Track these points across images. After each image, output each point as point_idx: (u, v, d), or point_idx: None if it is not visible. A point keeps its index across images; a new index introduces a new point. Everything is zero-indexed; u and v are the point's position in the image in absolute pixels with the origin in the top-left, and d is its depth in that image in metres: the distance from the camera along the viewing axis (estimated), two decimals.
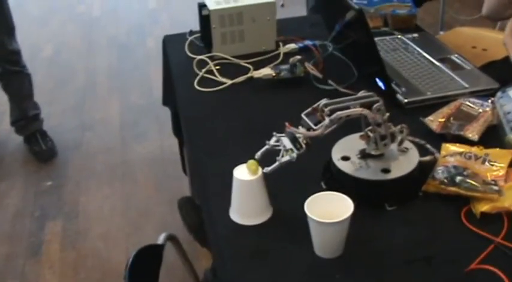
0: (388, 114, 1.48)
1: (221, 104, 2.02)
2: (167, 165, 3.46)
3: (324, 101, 1.45)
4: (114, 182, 3.40)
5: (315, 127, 1.42)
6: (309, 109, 1.47)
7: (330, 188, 1.51)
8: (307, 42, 2.31)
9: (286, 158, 1.44)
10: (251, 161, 1.46)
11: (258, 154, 1.48)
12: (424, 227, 1.45)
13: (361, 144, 1.55)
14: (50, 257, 2.91)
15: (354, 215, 1.32)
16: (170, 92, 2.43)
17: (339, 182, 1.53)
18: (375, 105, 1.44)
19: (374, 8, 2.49)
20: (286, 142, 1.46)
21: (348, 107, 1.44)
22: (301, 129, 1.44)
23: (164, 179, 3.37)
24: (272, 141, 1.49)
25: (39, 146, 3.63)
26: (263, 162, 1.47)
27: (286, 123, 1.45)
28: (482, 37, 2.86)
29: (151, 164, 3.54)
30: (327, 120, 1.41)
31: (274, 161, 1.45)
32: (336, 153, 1.57)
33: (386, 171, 1.51)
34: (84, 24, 5.62)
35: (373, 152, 1.54)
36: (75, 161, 3.61)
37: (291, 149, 1.44)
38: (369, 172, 1.50)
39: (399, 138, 1.55)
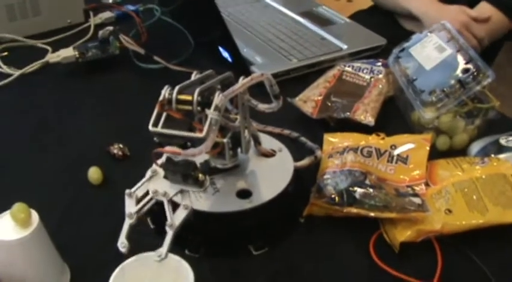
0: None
1: (8, 103, 1.39)
2: None
3: (175, 90, 0.86)
4: None
5: (197, 135, 0.83)
6: (153, 116, 0.87)
7: (157, 230, 0.94)
8: (128, 8, 1.71)
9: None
10: (18, 205, 0.85)
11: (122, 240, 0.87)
12: (312, 274, 0.90)
13: (200, 157, 0.96)
14: None
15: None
16: None
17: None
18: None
19: None
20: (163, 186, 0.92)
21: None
22: (189, 150, 0.83)
23: None
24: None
25: None
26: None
27: (154, 151, 0.86)
28: None
29: None
30: (210, 113, 0.82)
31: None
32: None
33: (244, 193, 0.93)
34: None
35: (219, 166, 0.97)
36: None
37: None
38: (218, 200, 0.92)
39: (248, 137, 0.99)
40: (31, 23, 1.67)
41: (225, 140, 0.92)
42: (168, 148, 0.84)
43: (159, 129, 0.84)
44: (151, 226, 0.97)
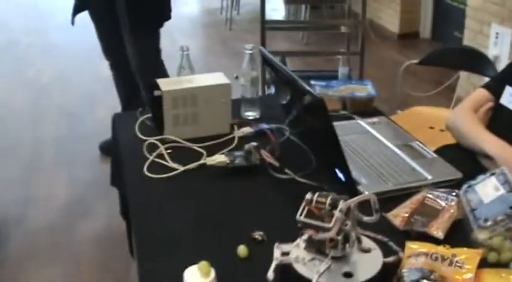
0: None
1: (172, 192, 1.91)
2: (113, 246, 3.30)
3: (315, 195, 1.39)
4: (57, 261, 3.22)
5: (328, 226, 1.35)
6: (302, 206, 1.39)
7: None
8: (263, 126, 2.22)
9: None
10: (203, 263, 1.35)
11: (270, 274, 1.39)
12: None
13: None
14: None
15: None
16: (118, 173, 2.31)
17: None
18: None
19: (332, 90, 2.43)
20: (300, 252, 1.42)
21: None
22: (322, 234, 1.36)
23: (110, 260, 3.21)
24: (278, 255, 1.44)
25: None
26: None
27: (305, 231, 1.40)
28: (439, 117, 2.83)
29: (97, 243, 3.37)
30: (337, 213, 1.33)
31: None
32: (295, 261, 1.45)
33: (348, 275, 1.40)
34: (32, 90, 5.49)
35: (333, 254, 1.44)
36: (16, 238, 3.43)
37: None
38: (330, 277, 1.39)
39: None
40: (190, 129, 2.19)
41: (339, 237, 1.39)
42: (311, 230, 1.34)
43: (302, 218, 1.34)
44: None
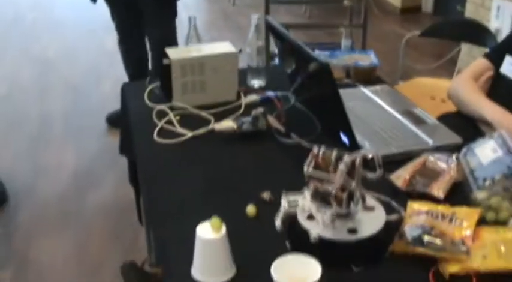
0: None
1: (181, 157, 1.97)
2: (122, 214, 3.38)
3: (321, 149, 1.45)
4: (67, 230, 3.30)
5: (332, 177, 1.42)
6: (308, 160, 1.46)
7: (294, 248, 1.47)
8: (269, 94, 2.28)
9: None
10: (215, 218, 1.42)
11: (278, 222, 1.51)
12: None
13: None
14: None
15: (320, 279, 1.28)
16: (127, 141, 2.37)
17: (304, 242, 1.48)
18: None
19: (336, 59, 2.49)
20: (306, 202, 1.49)
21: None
22: (323, 186, 1.44)
23: (119, 228, 3.29)
24: (286, 204, 1.53)
25: None
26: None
27: (311, 182, 1.47)
28: (440, 88, 2.87)
29: (105, 212, 3.45)
30: (341, 166, 1.39)
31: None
32: (301, 212, 1.52)
33: (352, 231, 1.47)
34: (38, 65, 5.54)
35: (338, 211, 1.50)
36: (27, 207, 3.50)
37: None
38: (335, 232, 1.46)
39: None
40: (198, 97, 2.26)
41: (344, 195, 1.46)
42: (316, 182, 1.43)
43: (310, 170, 1.42)
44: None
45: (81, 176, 3.82)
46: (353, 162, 1.43)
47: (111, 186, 3.68)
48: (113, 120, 4.24)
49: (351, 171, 1.46)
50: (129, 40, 4.24)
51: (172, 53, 2.21)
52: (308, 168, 1.45)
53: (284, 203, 1.52)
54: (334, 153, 1.42)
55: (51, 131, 4.38)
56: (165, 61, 2.18)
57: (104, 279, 2.93)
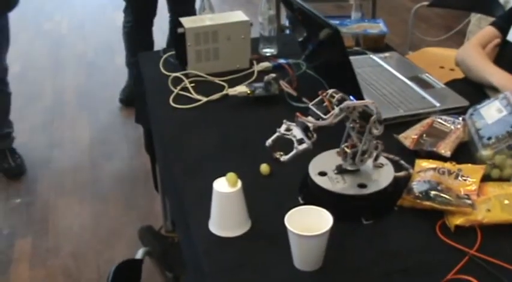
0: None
1: (196, 120, 2.04)
2: (137, 183, 3.46)
3: (331, 90, 1.50)
4: (84, 200, 3.39)
5: (324, 117, 1.46)
6: (316, 99, 1.51)
7: (307, 203, 1.53)
8: (281, 61, 2.34)
9: (303, 146, 1.49)
10: (230, 174, 1.48)
11: (269, 141, 1.56)
12: (400, 240, 1.48)
13: (338, 160, 1.58)
14: (19, 276, 2.88)
15: (332, 228, 1.34)
16: (143, 109, 2.44)
17: (316, 196, 1.56)
18: (373, 117, 1.50)
19: (346, 27, 2.54)
20: (296, 132, 1.51)
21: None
22: (311, 119, 1.48)
23: (134, 197, 3.38)
24: (282, 129, 1.55)
25: (8, 163, 3.61)
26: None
27: (297, 113, 1.50)
28: (449, 57, 2.91)
29: (121, 182, 3.54)
30: (336, 109, 1.44)
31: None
32: (313, 169, 1.60)
33: (362, 186, 1.54)
34: (51, 41, 5.62)
35: (349, 168, 1.57)
36: (44, 178, 3.59)
37: (301, 139, 1.50)
38: (346, 187, 1.53)
39: (374, 154, 1.58)
40: (212, 65, 2.32)
41: (358, 148, 1.53)
42: (309, 118, 1.50)
43: (313, 106, 1.51)
44: None
45: (96, 147, 3.90)
46: (353, 109, 1.48)
47: (125, 157, 3.76)
48: (125, 100, 4.30)
49: (360, 130, 1.52)
50: (144, 23, 4.15)
51: (186, 22, 2.27)
52: (313, 105, 1.52)
53: (282, 128, 1.57)
54: (338, 96, 1.47)
55: (66, 105, 4.46)
56: (180, 30, 2.24)
57: (120, 245, 3.01)
